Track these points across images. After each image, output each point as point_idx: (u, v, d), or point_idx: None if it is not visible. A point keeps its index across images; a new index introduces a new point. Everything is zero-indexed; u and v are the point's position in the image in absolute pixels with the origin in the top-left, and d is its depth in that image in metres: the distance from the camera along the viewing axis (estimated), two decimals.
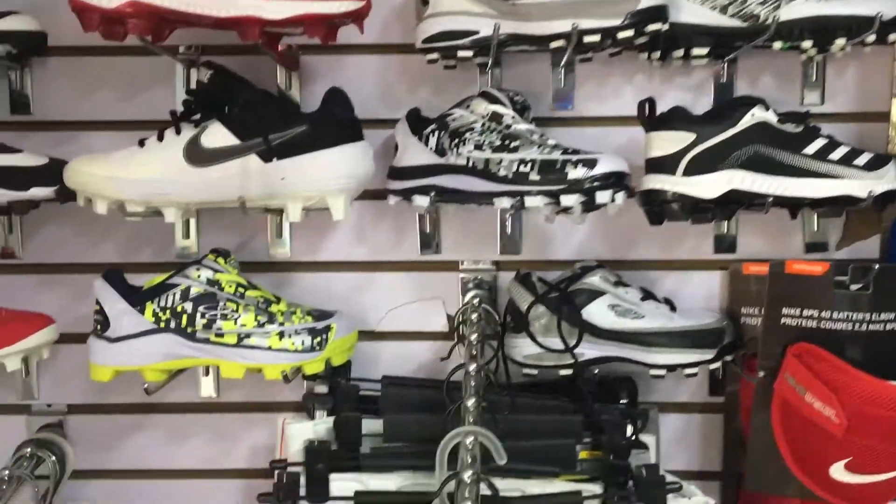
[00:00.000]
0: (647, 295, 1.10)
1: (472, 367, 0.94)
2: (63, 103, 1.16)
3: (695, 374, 1.07)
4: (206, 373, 1.17)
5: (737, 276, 1.14)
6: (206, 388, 1.18)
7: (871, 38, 1.01)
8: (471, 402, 0.89)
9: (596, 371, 1.06)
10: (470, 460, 0.82)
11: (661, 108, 1.09)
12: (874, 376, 0.97)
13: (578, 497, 0.92)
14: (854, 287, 0.98)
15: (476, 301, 1.11)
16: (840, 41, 1.01)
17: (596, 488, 0.96)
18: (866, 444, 0.95)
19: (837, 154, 1.01)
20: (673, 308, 1.10)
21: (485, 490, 0.81)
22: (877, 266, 0.98)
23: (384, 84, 1.16)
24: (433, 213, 1.13)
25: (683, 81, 1.15)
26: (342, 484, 0.96)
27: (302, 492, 0.95)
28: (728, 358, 1.09)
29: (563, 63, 1.11)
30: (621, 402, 1.10)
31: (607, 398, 1.09)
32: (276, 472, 0.96)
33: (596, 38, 0.98)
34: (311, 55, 1.15)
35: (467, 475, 0.80)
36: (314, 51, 1.15)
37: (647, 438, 1.06)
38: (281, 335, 1.04)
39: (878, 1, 1.01)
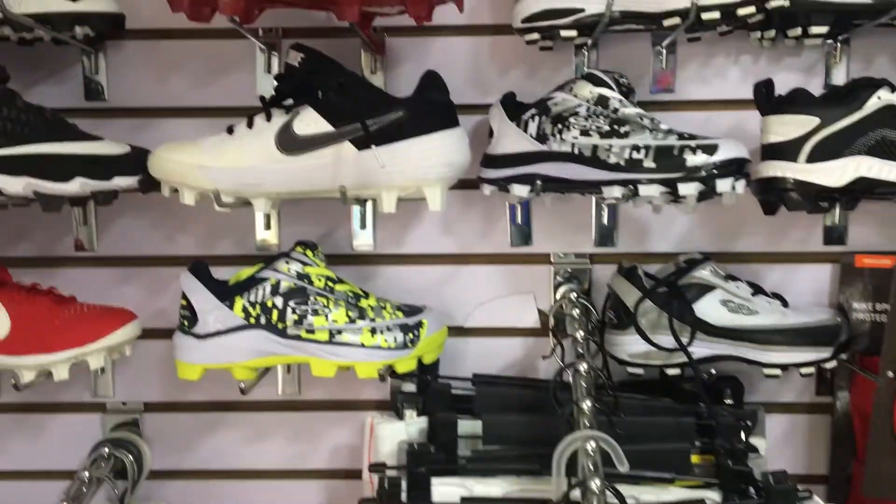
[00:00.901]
0: (758, 290, 1.04)
1: (583, 366, 0.89)
2: (138, 89, 1.11)
3: (811, 374, 1.01)
4: (289, 370, 1.14)
5: (848, 269, 1.08)
6: (288, 386, 1.14)
7: None
8: (586, 405, 0.84)
9: (712, 371, 1.00)
10: (592, 467, 0.77)
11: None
12: None
13: None
14: None
15: (573, 295, 1.05)
16: None
17: (715, 495, 0.90)
18: None
19: None
20: (785, 304, 1.04)
21: (610, 498, 0.76)
22: None
23: (473, 67, 1.11)
24: (525, 202, 1.07)
25: (793, 62, 1.08)
26: (445, 489, 0.91)
27: (403, 496, 0.90)
28: (843, 356, 1.02)
29: (666, 43, 1.05)
30: (726, 402, 1.05)
31: (712, 398, 1.03)
32: (377, 476, 0.91)
33: (715, 14, 0.92)
34: (396, 37, 1.10)
35: (595, 484, 0.74)
36: (400, 33, 1.10)
37: (756, 441, 1.00)
38: (373, 331, 0.99)
39: None
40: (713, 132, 1.07)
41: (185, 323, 0.98)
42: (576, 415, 0.84)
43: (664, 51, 1.07)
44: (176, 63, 1.11)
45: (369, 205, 1.06)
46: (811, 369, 1.00)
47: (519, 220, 1.11)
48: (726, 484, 0.91)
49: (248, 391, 0.98)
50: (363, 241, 1.10)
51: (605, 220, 1.10)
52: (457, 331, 1.13)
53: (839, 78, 1.06)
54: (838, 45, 1.05)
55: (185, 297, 0.97)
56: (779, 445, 1.12)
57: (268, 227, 1.10)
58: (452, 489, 0.91)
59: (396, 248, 1.13)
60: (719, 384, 1.06)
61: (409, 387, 1.06)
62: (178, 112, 1.11)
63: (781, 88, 1.05)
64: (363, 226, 1.10)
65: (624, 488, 0.89)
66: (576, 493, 0.76)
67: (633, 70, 1.08)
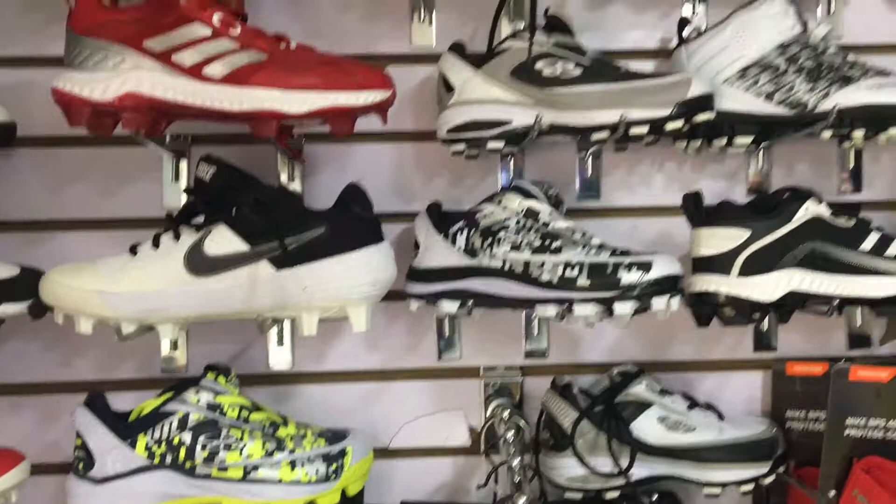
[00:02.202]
0: (693, 403, 1.01)
1: (522, 501, 0.83)
2: (32, 200, 1.02)
3: (750, 491, 0.98)
4: None
5: (780, 376, 1.06)
6: None
7: None
8: None
9: (655, 497, 0.95)
10: None
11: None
12: None
13: None
14: None
15: (507, 413, 1.00)
16: (893, 131, 0.95)
17: None
18: None
19: (894, 249, 0.95)
20: (720, 416, 1.01)
21: None
22: None
23: (397, 174, 1.06)
24: (453, 316, 1.02)
25: (717, 169, 1.08)
26: None
27: None
28: (780, 469, 1.00)
29: (591, 151, 1.03)
30: None
31: None
32: None
33: (644, 129, 0.91)
34: (315, 144, 1.05)
35: None
36: (319, 139, 1.05)
37: None
38: (292, 464, 0.91)
39: None
40: (640, 240, 1.06)
41: (80, 465, 0.88)
42: None
43: (590, 158, 1.05)
44: (75, 171, 1.03)
45: (288, 322, 1.00)
46: (751, 486, 0.97)
47: (447, 332, 1.05)
48: None
49: None
50: (281, 359, 1.03)
51: (535, 331, 1.06)
52: (383, 452, 1.06)
53: (763, 185, 1.06)
54: (761, 152, 1.06)
55: (79, 436, 0.87)
56: None
57: (174, 346, 1.02)
58: None
59: (317, 366, 1.06)
60: (658, 502, 1.01)
61: None
62: (76, 224, 1.03)
63: (706, 194, 1.05)
64: (280, 342, 1.03)
65: None
66: None
67: (559, 177, 1.06)
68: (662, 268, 0.88)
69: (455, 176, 1.06)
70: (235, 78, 0.81)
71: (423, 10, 1.04)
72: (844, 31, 1.06)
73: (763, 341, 1.06)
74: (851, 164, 1.06)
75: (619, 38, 1.06)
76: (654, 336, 1.08)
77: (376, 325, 1.06)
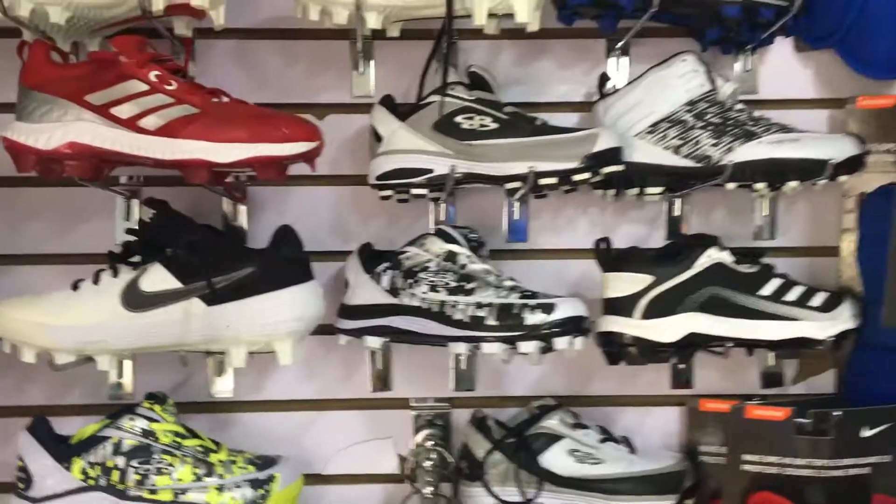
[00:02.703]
0: (607, 436, 1.07)
1: None
2: None
3: None
4: None
5: (694, 413, 1.12)
6: None
7: (824, 180, 1.01)
8: None
9: None
10: None
11: (616, 239, 1.09)
12: None
13: None
14: (814, 432, 0.97)
15: (429, 444, 1.06)
16: (793, 183, 1.02)
17: None
18: None
19: (793, 295, 1.01)
20: (632, 449, 1.07)
21: None
22: (837, 412, 0.97)
23: (335, 216, 1.13)
24: (383, 350, 1.08)
25: (637, 215, 1.14)
26: None
27: None
28: (690, 502, 1.05)
29: (517, 197, 1.10)
30: None
31: None
32: None
33: (553, 180, 0.97)
34: (259, 186, 1.12)
35: None
36: (264, 182, 1.12)
37: None
38: (220, 489, 0.97)
39: (829, 144, 1.02)
40: (565, 281, 1.12)
41: (21, 485, 0.94)
42: None
43: (516, 203, 1.11)
44: (33, 210, 1.10)
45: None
46: None
47: (379, 365, 1.11)
48: None
49: None
50: (221, 387, 1.10)
51: (462, 365, 1.11)
52: (317, 478, 1.12)
53: (680, 231, 1.12)
54: (677, 200, 1.12)
55: (20, 458, 0.94)
56: None
57: (121, 374, 1.08)
58: None
59: (256, 395, 1.13)
60: None
61: None
62: (33, 259, 1.10)
63: (626, 239, 1.11)
64: (220, 372, 1.09)
65: None
66: None
67: (489, 220, 1.12)
68: (565, 310, 0.94)
69: (390, 218, 1.13)
70: (169, 130, 0.89)
71: (362, 63, 1.11)
72: (760, 87, 1.13)
73: (680, 378, 1.11)
74: (766, 212, 1.12)
75: (547, 92, 1.13)
76: (576, 371, 1.13)
77: (313, 357, 1.13)
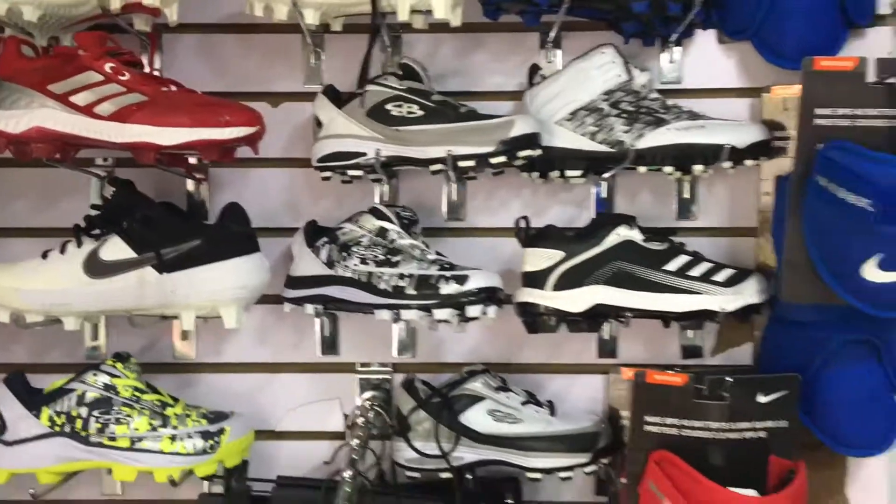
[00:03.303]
0: (530, 399, 1.15)
1: (348, 473, 0.99)
2: None
3: (570, 478, 1.12)
4: (110, 471, 1.22)
5: (616, 380, 1.20)
6: (110, 487, 1.22)
7: (728, 164, 1.09)
8: None
9: (469, 476, 1.10)
10: None
11: (546, 219, 1.18)
12: (732, 481, 1.03)
13: None
14: (711, 397, 1.04)
15: (368, 403, 1.16)
16: (698, 167, 1.09)
17: None
18: None
19: (698, 270, 1.09)
20: (553, 412, 1.15)
21: None
22: (731, 379, 1.05)
23: (288, 195, 1.24)
24: (330, 317, 1.18)
25: (566, 196, 1.22)
26: None
27: None
28: (604, 461, 1.14)
29: (454, 178, 1.19)
30: (506, 502, 1.15)
31: (493, 498, 1.14)
32: None
33: (470, 163, 1.06)
34: (220, 168, 1.23)
35: None
36: (222, 164, 1.22)
37: None
38: (173, 438, 1.08)
39: (733, 130, 1.09)
40: (499, 257, 1.21)
41: None
42: None
43: (454, 185, 1.21)
44: (17, 188, 1.23)
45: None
46: (570, 473, 1.11)
47: (327, 332, 1.22)
48: None
49: (39, 497, 1.07)
50: (184, 350, 1.22)
51: (404, 333, 1.21)
52: (269, 434, 1.23)
53: (607, 212, 1.20)
54: (604, 182, 1.20)
55: None
56: None
57: (95, 337, 1.20)
58: None
59: (216, 358, 1.24)
60: (500, 486, 1.16)
61: (217, 489, 1.15)
62: (19, 232, 1.23)
63: (556, 220, 1.20)
64: (184, 337, 1.21)
65: None
66: None
67: (429, 200, 1.22)
68: (477, 281, 1.03)
69: (338, 198, 1.23)
70: (120, 116, 1.00)
71: (313, 55, 1.21)
72: (684, 77, 1.20)
73: (605, 348, 1.20)
74: (687, 194, 1.20)
75: (484, 82, 1.22)
76: (509, 341, 1.22)
77: (268, 324, 1.24)
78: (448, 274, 1.04)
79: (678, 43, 1.18)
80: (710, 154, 1.08)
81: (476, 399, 1.12)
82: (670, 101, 1.13)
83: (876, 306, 0.99)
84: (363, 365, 1.23)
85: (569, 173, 1.12)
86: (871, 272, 0.97)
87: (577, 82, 1.12)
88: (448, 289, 1.03)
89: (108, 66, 1.01)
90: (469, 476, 1.10)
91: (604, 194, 1.20)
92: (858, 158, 0.95)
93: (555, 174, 1.13)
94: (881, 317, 1.01)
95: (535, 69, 1.17)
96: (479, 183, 1.22)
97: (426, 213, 1.21)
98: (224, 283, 1.06)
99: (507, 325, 1.17)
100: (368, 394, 1.22)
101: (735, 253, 1.21)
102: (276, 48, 1.23)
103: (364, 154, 1.10)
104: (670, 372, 1.07)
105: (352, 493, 0.97)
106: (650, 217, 1.19)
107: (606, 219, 1.11)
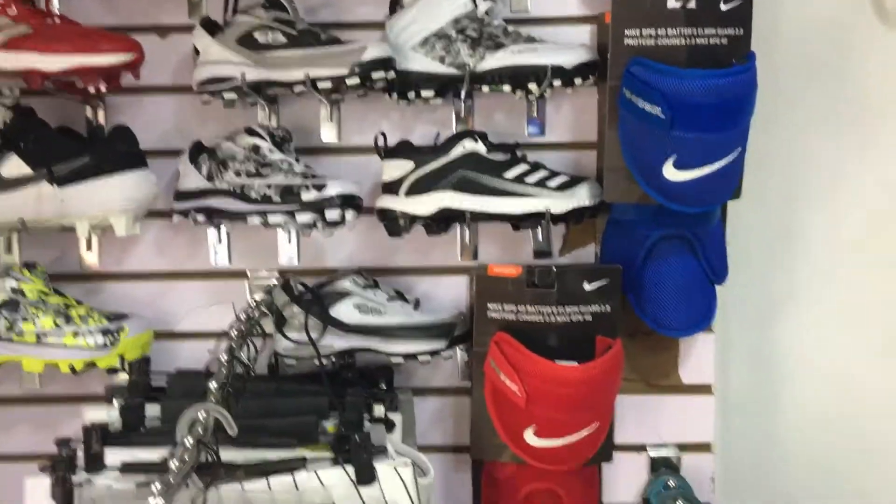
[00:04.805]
0: (396, 296, 1.31)
1: (223, 357, 1.14)
2: None
3: (428, 362, 1.28)
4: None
5: (483, 277, 1.34)
6: (29, 381, 1.36)
7: (557, 83, 1.23)
8: (213, 385, 1.09)
9: (333, 359, 1.26)
10: (201, 431, 1.02)
11: (412, 138, 1.32)
12: (564, 358, 1.19)
13: (302, 461, 1.12)
14: (543, 286, 1.20)
15: (252, 303, 1.30)
16: (532, 86, 1.23)
17: (326, 454, 1.16)
18: (544, 414, 1.17)
19: (534, 177, 1.23)
20: (417, 307, 1.31)
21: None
22: (557, 268, 1.20)
23: (179, 119, 1.36)
24: (217, 228, 1.32)
25: (430, 117, 1.36)
26: (116, 456, 1.14)
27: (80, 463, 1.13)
28: (461, 347, 1.29)
29: (332, 100, 1.32)
30: (381, 386, 1.31)
31: (370, 384, 1.30)
32: (58, 446, 1.14)
33: (327, 84, 1.19)
34: (115, 95, 1.35)
35: (188, 441, 0.99)
36: (118, 91, 1.35)
37: (395, 417, 1.26)
38: (76, 334, 1.23)
39: (561, 53, 1.23)
40: (370, 173, 1.35)
41: None
42: (208, 394, 1.09)
43: (328, 107, 1.34)
44: None
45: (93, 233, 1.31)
46: (429, 358, 1.27)
47: (220, 242, 1.36)
48: (338, 446, 1.16)
49: None
50: (89, 261, 1.36)
51: (289, 241, 1.35)
52: (170, 335, 1.38)
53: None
54: (462, 102, 1.33)
55: None
56: (432, 423, 1.39)
57: (9, 250, 1.34)
58: (121, 456, 1.14)
59: (119, 267, 1.38)
60: (375, 373, 1.32)
61: (121, 380, 1.30)
62: None
63: (421, 136, 1.33)
64: (89, 248, 1.35)
65: (258, 453, 1.14)
66: (181, 452, 1.01)
67: (307, 122, 1.35)
68: (334, 188, 1.17)
69: (226, 121, 1.35)
70: (9, 45, 1.12)
71: None
72: (531, 6, 1.33)
73: (467, 252, 1.35)
74: (535, 113, 1.34)
75: (353, 13, 1.35)
76: (382, 247, 1.37)
77: (164, 237, 1.38)
78: (309, 183, 1.18)
79: None
80: (540, 74, 1.22)
81: (344, 295, 1.27)
82: (511, 28, 1.26)
83: (676, 201, 1.14)
84: (253, 272, 1.38)
85: (424, 94, 1.26)
86: (670, 172, 1.12)
87: (429, 11, 1.25)
88: (308, 196, 1.17)
89: None
90: (343, 362, 1.25)
91: (462, 114, 1.34)
92: (652, 72, 1.09)
93: (412, 95, 1.27)
94: (684, 212, 1.16)
95: (396, 0, 1.30)
96: (352, 107, 1.35)
97: (305, 134, 1.35)
98: (112, 195, 1.20)
99: (382, 234, 1.32)
100: (257, 297, 1.36)
101: (581, 165, 1.35)
102: None
103: (235, 78, 1.23)
104: (506, 265, 1.22)
105: (227, 375, 1.12)
106: (504, 134, 1.33)
107: (461, 135, 1.25)
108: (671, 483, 1.30)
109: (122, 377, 1.30)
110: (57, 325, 1.23)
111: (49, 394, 1.38)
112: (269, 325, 1.31)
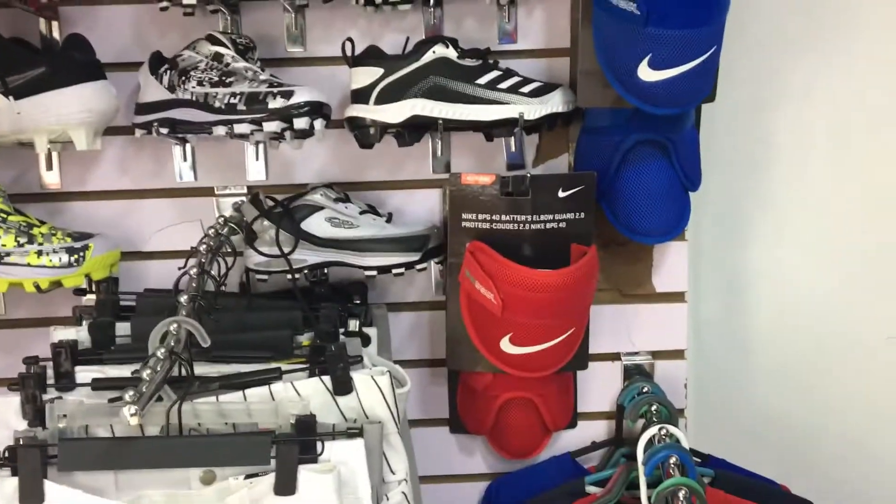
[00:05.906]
0: (368, 210, 1.28)
1: (193, 270, 1.11)
2: None
3: (402, 274, 1.27)
4: None
5: (456, 186, 1.32)
6: None
7: None
8: (183, 298, 1.07)
9: (306, 273, 1.24)
10: (173, 344, 1.00)
11: (381, 46, 1.27)
12: (539, 265, 1.18)
13: (277, 372, 1.10)
14: (517, 194, 1.18)
15: (221, 219, 1.27)
16: None
17: (302, 366, 1.15)
18: (520, 321, 1.16)
19: (507, 84, 1.21)
20: (389, 220, 1.29)
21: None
22: (530, 175, 1.19)
23: (137, 31, 1.31)
24: (181, 142, 1.28)
25: (399, 25, 1.32)
26: (86, 374, 1.12)
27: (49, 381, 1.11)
28: (435, 260, 1.28)
29: (295, 7, 1.27)
30: (355, 302, 1.30)
31: (344, 299, 1.28)
32: (26, 364, 1.12)
33: None
34: (70, 7, 1.29)
35: (161, 352, 0.97)
36: (73, 1, 1.29)
37: (370, 331, 1.25)
38: (39, 253, 1.19)
39: None
40: (337, 84, 1.31)
41: None
42: (178, 308, 1.07)
43: (293, 15, 1.29)
44: None
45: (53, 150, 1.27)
46: (402, 270, 1.26)
47: (185, 158, 1.32)
48: (313, 358, 1.15)
49: None
50: (50, 180, 1.31)
51: (256, 157, 1.32)
52: (138, 255, 1.35)
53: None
54: (432, 10, 1.29)
55: None
56: (408, 337, 1.38)
57: None
58: (91, 374, 1.13)
59: (81, 187, 1.34)
60: (349, 288, 1.31)
61: (89, 301, 1.27)
62: None
63: (391, 45, 1.29)
64: (49, 167, 1.30)
65: (221, 367, 1.12)
66: (153, 362, 0.99)
67: (271, 31, 1.30)
68: (301, 96, 1.13)
69: (184, 32, 1.30)
70: None
71: None
72: None
73: (439, 165, 1.33)
74: (507, 20, 1.30)
75: None
76: (353, 161, 1.34)
77: (128, 154, 1.34)
78: (276, 90, 1.14)
79: None
80: None
81: (315, 209, 1.24)
82: None
83: (651, 103, 1.12)
84: (220, 188, 1.35)
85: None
86: (645, 72, 1.10)
87: None
88: (275, 103, 1.13)
89: None
90: (316, 278, 1.23)
91: (433, 22, 1.30)
92: None
93: (379, 0, 1.23)
94: (659, 114, 1.14)
95: None
96: (317, 14, 1.31)
97: (269, 44, 1.31)
98: (70, 107, 1.15)
99: (352, 148, 1.28)
100: (227, 212, 1.33)
101: (553, 72, 1.33)
102: None
103: None
104: (479, 173, 1.20)
105: (198, 288, 1.09)
106: (475, 41, 1.29)
107: (428, 39, 1.21)
108: (645, 389, 1.31)
109: (90, 298, 1.27)
110: (19, 243, 1.19)
111: (16, 318, 1.35)
112: (239, 243, 1.29)
